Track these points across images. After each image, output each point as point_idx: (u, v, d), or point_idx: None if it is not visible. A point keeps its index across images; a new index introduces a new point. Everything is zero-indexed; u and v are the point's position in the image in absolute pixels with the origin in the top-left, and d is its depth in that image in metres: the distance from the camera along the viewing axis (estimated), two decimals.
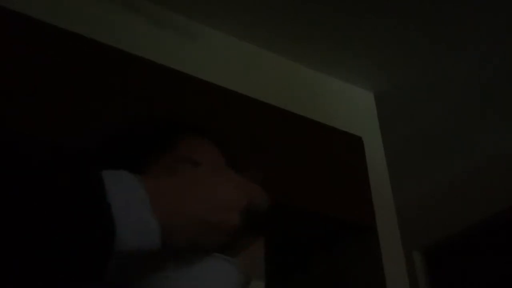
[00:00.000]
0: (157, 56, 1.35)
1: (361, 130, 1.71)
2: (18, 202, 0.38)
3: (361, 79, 1.81)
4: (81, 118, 1.13)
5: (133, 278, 0.51)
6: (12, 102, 1.07)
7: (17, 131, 1.04)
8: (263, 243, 0.80)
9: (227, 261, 0.57)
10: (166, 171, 0.75)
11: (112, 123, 1.11)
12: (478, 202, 2.07)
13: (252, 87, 1.52)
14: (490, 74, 1.78)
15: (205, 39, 1.56)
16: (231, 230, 0.53)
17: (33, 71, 1.12)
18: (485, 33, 1.64)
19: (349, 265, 1.53)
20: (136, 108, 1.19)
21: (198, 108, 1.32)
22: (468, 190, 2.13)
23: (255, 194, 0.56)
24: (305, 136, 1.53)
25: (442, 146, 2.08)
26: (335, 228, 1.52)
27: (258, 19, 1.58)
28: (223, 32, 1.60)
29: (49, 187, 0.39)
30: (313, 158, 1.51)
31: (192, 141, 0.81)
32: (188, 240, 0.50)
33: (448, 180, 2.20)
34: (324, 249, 1.58)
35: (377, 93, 1.86)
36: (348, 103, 1.79)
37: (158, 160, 0.78)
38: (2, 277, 0.38)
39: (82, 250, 0.40)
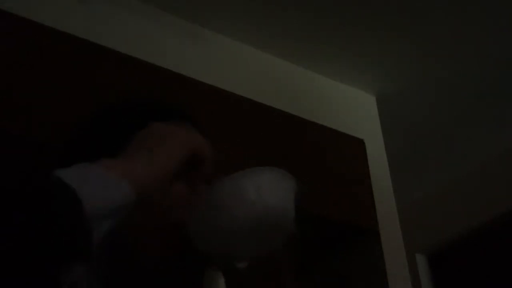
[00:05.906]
0: (158, 59, 1.35)
1: (363, 133, 1.71)
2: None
3: (363, 82, 1.81)
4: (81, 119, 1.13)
5: None
6: (10, 102, 1.07)
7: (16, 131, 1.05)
8: None
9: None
10: None
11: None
12: (481, 203, 2.06)
13: (254, 89, 1.52)
14: (490, 76, 1.78)
15: (205, 42, 1.56)
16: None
17: (31, 71, 1.13)
18: (484, 35, 1.64)
19: (351, 268, 1.52)
20: None
21: (199, 110, 1.32)
22: (472, 191, 2.12)
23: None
24: (307, 139, 1.53)
25: (444, 148, 2.07)
26: (337, 231, 1.51)
27: (260, 22, 1.58)
28: (223, 35, 1.60)
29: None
30: (314, 160, 1.50)
31: None
32: None
33: (451, 182, 2.19)
34: (325, 252, 1.57)
35: (379, 96, 1.86)
36: (350, 106, 1.79)
37: None
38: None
39: (59, 225, 0.41)
